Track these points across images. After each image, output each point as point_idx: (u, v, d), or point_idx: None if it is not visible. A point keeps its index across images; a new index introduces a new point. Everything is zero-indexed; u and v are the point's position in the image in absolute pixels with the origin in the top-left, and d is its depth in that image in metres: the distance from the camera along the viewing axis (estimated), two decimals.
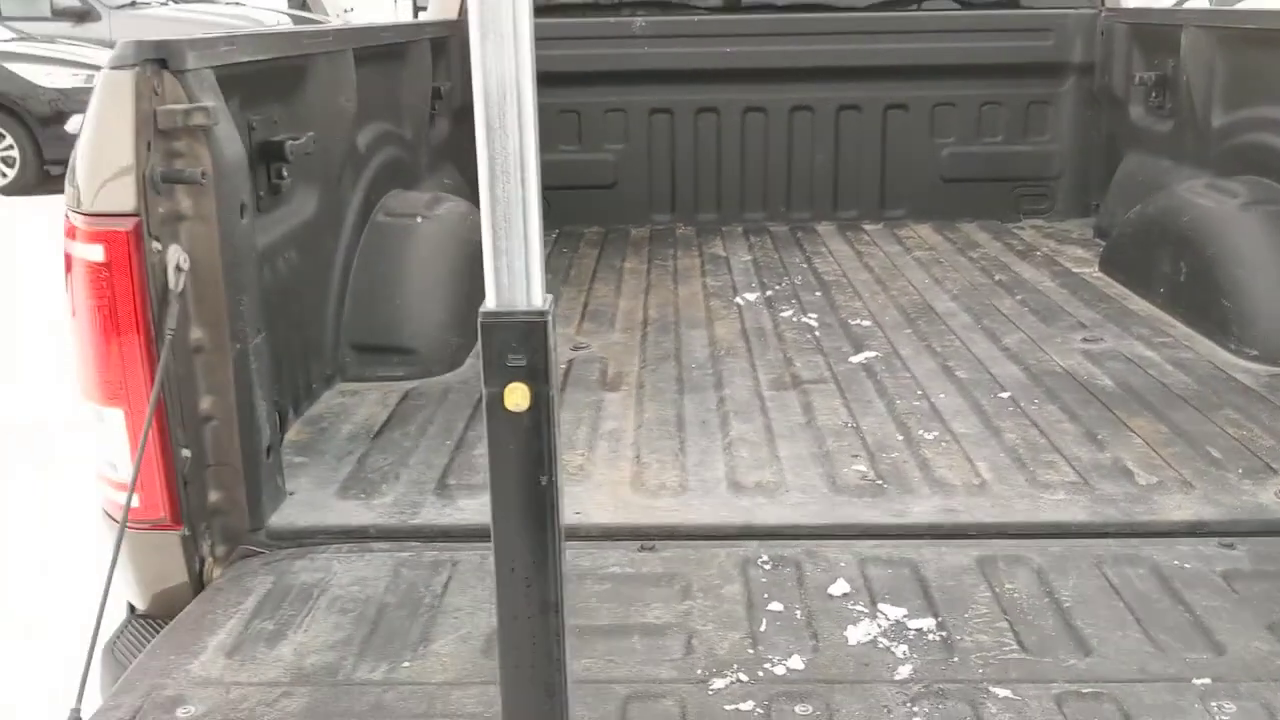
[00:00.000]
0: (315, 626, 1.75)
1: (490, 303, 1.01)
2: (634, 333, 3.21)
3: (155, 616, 2.02)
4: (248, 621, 1.77)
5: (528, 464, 1.02)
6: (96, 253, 1.79)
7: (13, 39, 11.62)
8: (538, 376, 1.00)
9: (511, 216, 0.97)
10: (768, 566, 1.92)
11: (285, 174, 2.41)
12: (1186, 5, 12.38)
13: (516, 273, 0.99)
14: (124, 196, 1.79)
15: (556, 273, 3.84)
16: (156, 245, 1.84)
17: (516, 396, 0.99)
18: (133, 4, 14.36)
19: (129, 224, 1.79)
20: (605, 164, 4.50)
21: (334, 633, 1.73)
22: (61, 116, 10.75)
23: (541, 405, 1.00)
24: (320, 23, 19.09)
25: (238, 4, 17.80)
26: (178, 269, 1.87)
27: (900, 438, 2.42)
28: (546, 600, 1.08)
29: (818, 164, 4.54)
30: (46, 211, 9.84)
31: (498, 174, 0.97)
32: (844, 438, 2.42)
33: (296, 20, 16.98)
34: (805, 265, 3.93)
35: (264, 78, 2.33)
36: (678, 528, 2.05)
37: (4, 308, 6.97)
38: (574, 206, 4.41)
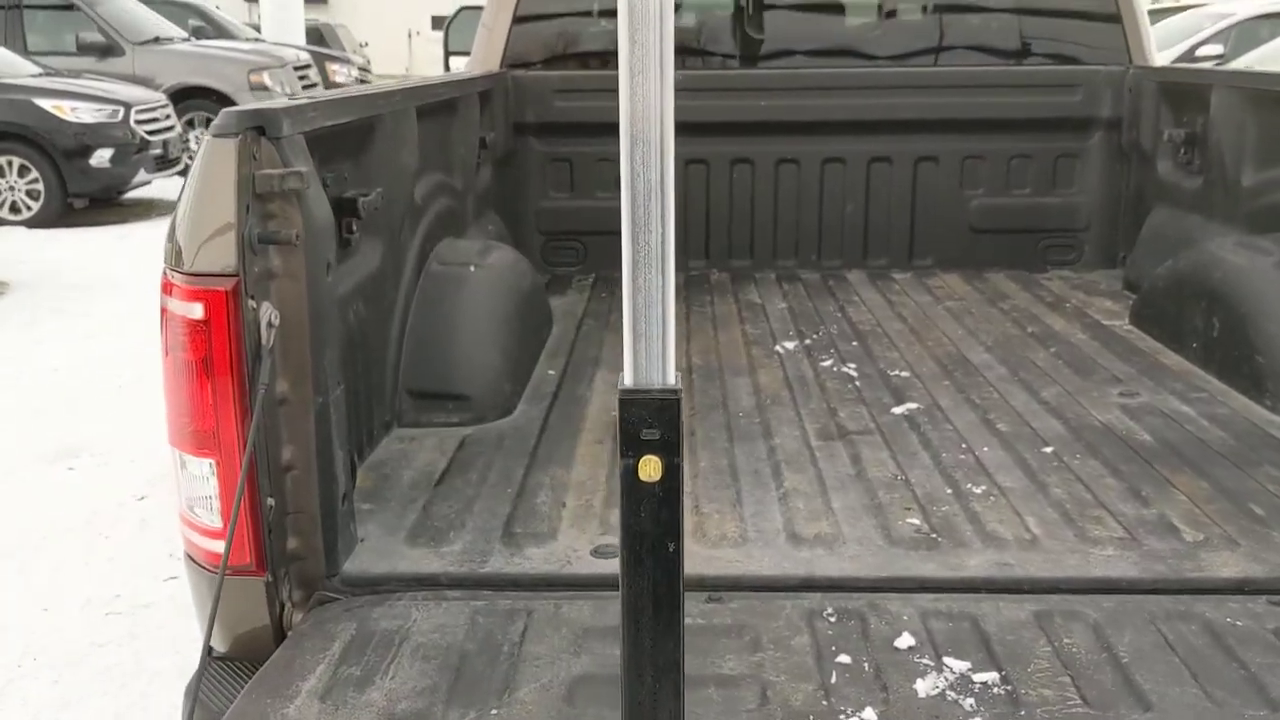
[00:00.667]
0: (401, 673, 1.81)
1: (627, 380, 1.08)
2: (680, 379, 3.28)
3: (235, 659, 2.08)
4: (335, 667, 1.83)
5: (658, 531, 1.09)
6: (195, 310, 1.87)
7: (39, 74, 11.79)
8: (670, 450, 1.07)
9: (651, 303, 1.05)
10: (833, 619, 1.98)
11: (355, 229, 2.50)
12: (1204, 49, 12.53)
13: (654, 355, 1.07)
14: (225, 257, 1.87)
15: (598, 318, 3.93)
16: (251, 303, 1.92)
17: (650, 468, 1.07)
18: (156, 40, 14.55)
19: (229, 283, 1.87)
20: None
21: (420, 679, 1.80)
22: (86, 150, 10.94)
23: (672, 477, 1.07)
24: (339, 58, 19.32)
25: (257, 40, 18.04)
26: (269, 325, 1.95)
27: (949, 491, 2.49)
28: (670, 659, 1.15)
29: (849, 214, 4.63)
30: (67, 243, 10.01)
31: (640, 265, 1.05)
32: (895, 490, 2.49)
33: (316, 56, 17.19)
34: (839, 314, 4.01)
35: (338, 137, 2.42)
36: (742, 579, 2.12)
37: (28, 339, 7.06)
38: (612, 251, 4.49)
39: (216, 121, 1.91)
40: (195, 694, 1.78)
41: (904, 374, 3.32)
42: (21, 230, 10.65)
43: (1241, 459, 2.63)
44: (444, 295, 3.01)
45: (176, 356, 1.91)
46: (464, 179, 3.60)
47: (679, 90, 4.77)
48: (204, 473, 1.95)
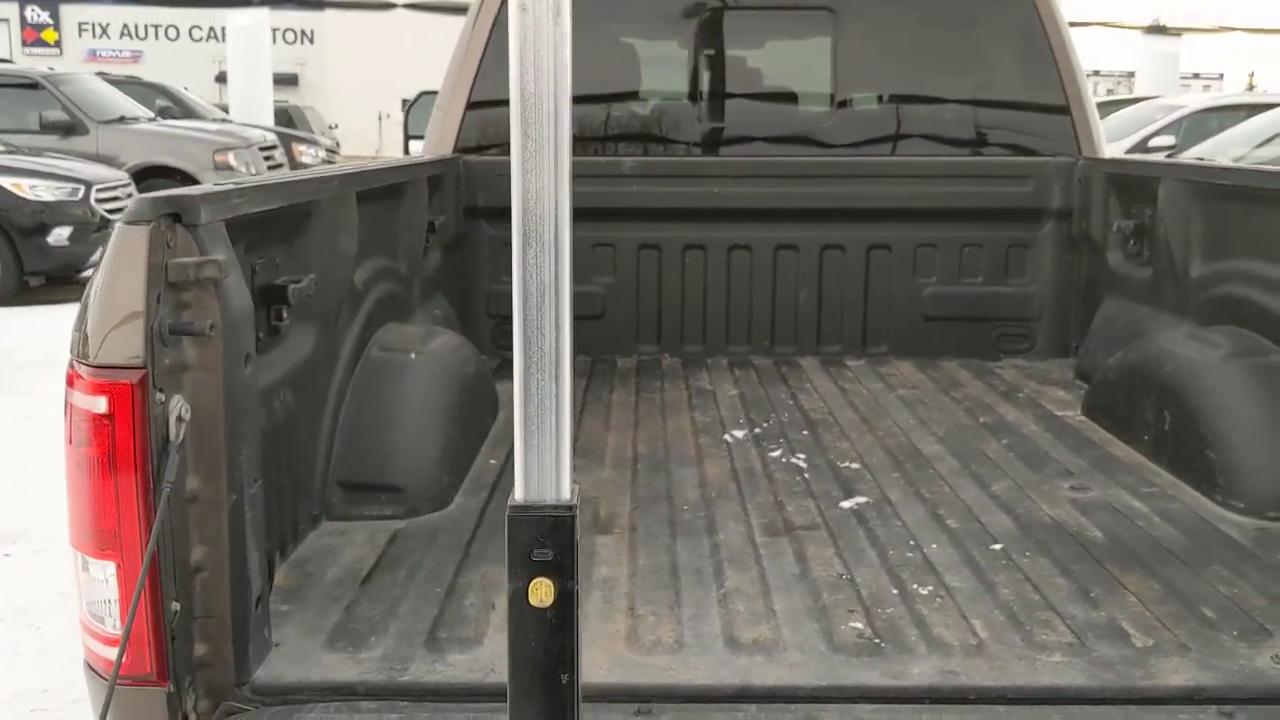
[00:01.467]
0: None
1: (518, 495, 1.01)
2: (624, 470, 3.20)
3: None
4: None
5: (550, 662, 1.00)
6: (99, 404, 1.79)
7: (1, 152, 11.71)
8: (563, 572, 0.99)
9: (544, 413, 0.98)
10: None
11: (285, 316, 2.43)
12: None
13: (546, 467, 0.99)
14: (132, 348, 1.79)
15: None
16: (160, 396, 1.83)
17: (541, 592, 0.99)
18: (121, 119, 14.53)
19: (135, 376, 1.79)
20: (594, 296, 4.55)
21: None
22: (44, 229, 10.81)
23: (566, 602, 0.99)
24: (306, 139, 19.38)
25: (224, 120, 18.08)
26: (179, 419, 1.86)
27: (895, 591, 2.41)
28: None
29: (802, 301, 4.61)
30: (20, 322, 9.85)
31: (533, 372, 0.98)
32: (839, 591, 2.41)
33: (283, 137, 17.24)
34: (790, 402, 3.95)
35: (269, 223, 2.36)
36: (675, 689, 2.02)
37: None
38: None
39: (130, 207, 1.84)
40: None
41: (854, 465, 3.26)
42: None
43: (1192, 557, 2.58)
44: (382, 383, 2.93)
45: (79, 452, 1.82)
46: (409, 263, 3.54)
47: (634, 176, 4.76)
48: (105, 576, 1.85)
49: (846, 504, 2.95)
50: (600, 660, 2.09)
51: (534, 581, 0.98)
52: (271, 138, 16.27)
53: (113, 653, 1.86)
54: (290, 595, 2.34)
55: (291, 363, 2.52)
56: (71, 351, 1.86)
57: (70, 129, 13.88)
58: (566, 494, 1.00)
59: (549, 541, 0.98)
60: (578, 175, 0.99)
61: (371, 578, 2.44)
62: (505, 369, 4.33)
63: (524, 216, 0.96)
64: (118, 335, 1.79)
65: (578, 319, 3.90)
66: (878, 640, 2.19)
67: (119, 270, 1.81)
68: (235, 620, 1.97)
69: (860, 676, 2.06)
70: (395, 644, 2.15)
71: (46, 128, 13.69)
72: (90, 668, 1.96)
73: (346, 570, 2.48)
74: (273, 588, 2.35)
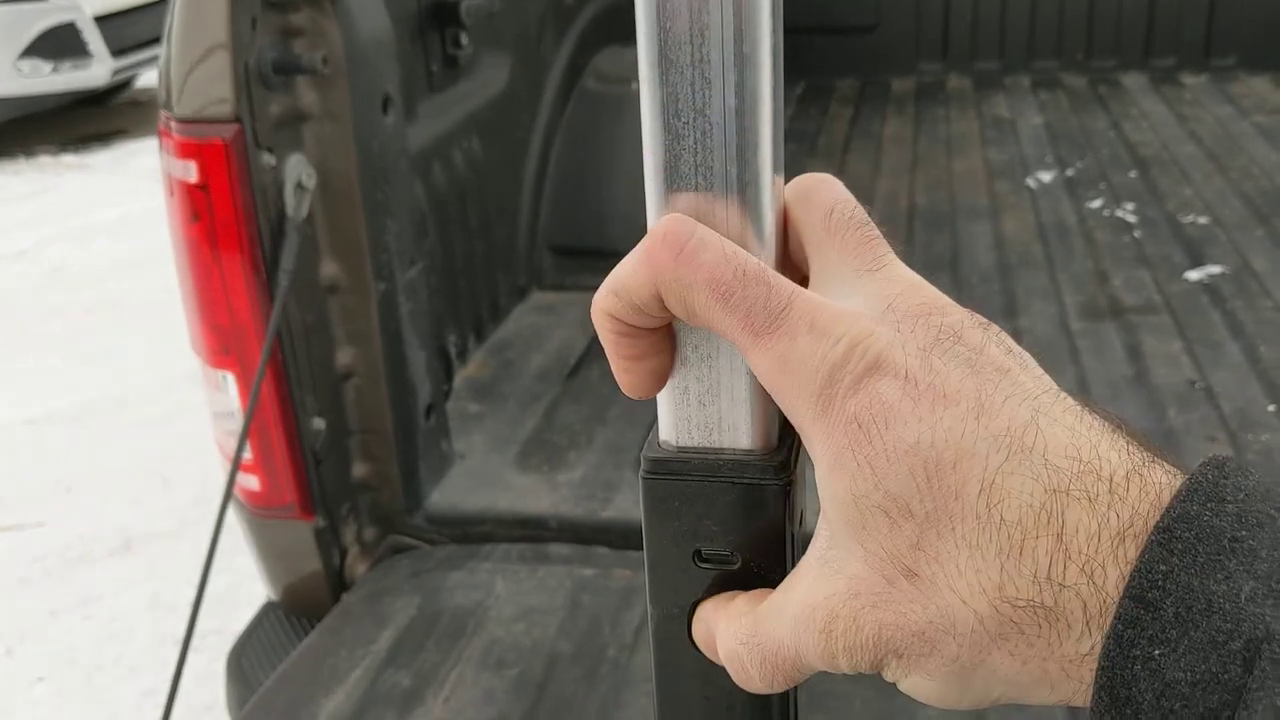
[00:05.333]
0: (462, 689, 1.31)
1: (663, 431, 0.46)
2: (898, 226, 2.59)
3: (291, 611, 1.65)
4: (378, 672, 1.35)
5: None
6: (189, 171, 1.35)
7: None
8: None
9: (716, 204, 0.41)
10: None
11: (464, 41, 1.92)
12: None
13: (722, 370, 0.44)
14: (219, 94, 1.32)
15: (802, 140, 3.22)
16: (269, 158, 1.38)
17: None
18: None
19: (228, 131, 1.33)
20: (864, 1, 3.78)
21: (485, 703, 1.29)
22: None
23: None
24: None
25: None
26: (299, 188, 1.41)
27: (1271, 408, 1.76)
28: None
29: (1126, 0, 3.69)
30: None
31: (679, 121, 0.41)
32: (1191, 405, 1.78)
33: None
34: (1113, 133, 3.16)
35: None
36: None
37: None
38: (824, 54, 3.73)
39: None
40: (182, 656, 1.32)
41: (1201, 220, 2.51)
42: None
43: None
44: (598, 121, 2.40)
45: (177, 233, 1.41)
46: None
47: None
48: (227, 387, 1.47)
49: (1194, 275, 2.25)
50: None
51: (700, 611, 0.44)
52: None
53: (245, 479, 1.51)
54: (484, 391, 1.93)
55: (478, 102, 2.02)
56: (160, 103, 1.41)
57: None
58: (763, 433, 0.44)
59: (733, 532, 0.43)
60: None
61: (579, 370, 2.00)
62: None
63: None
64: (201, 76, 1.32)
65: (844, 33, 3.09)
66: None
67: None
68: (400, 435, 1.58)
69: None
70: (599, 463, 1.71)
71: None
72: (235, 498, 1.63)
73: (552, 358, 2.04)
74: (462, 378, 1.96)
